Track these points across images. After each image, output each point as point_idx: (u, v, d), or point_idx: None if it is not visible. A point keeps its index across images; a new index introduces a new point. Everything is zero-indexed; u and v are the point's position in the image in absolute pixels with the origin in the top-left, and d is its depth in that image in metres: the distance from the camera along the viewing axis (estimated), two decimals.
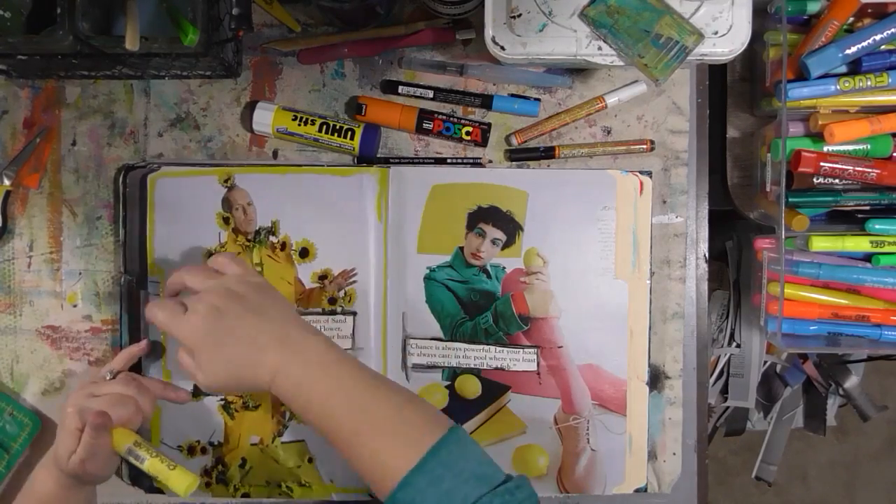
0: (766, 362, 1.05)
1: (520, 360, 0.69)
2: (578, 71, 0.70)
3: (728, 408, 1.08)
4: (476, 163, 0.70)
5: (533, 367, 0.69)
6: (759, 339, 0.97)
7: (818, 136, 0.70)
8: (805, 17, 0.69)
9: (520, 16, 0.61)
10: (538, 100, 0.70)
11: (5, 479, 0.69)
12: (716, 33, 0.60)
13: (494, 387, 0.70)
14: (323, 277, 0.69)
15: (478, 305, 0.69)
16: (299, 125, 0.68)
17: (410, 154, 0.71)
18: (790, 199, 0.69)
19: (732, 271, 0.96)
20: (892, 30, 0.65)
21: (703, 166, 0.72)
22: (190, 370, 0.58)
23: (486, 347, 0.69)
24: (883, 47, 0.66)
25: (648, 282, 0.69)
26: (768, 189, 0.72)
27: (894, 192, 0.69)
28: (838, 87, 0.66)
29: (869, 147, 0.70)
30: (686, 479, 0.72)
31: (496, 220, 0.69)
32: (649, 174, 0.69)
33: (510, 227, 0.69)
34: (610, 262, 0.69)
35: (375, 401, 0.55)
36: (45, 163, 0.71)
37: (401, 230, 0.69)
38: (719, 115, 0.76)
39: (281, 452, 0.70)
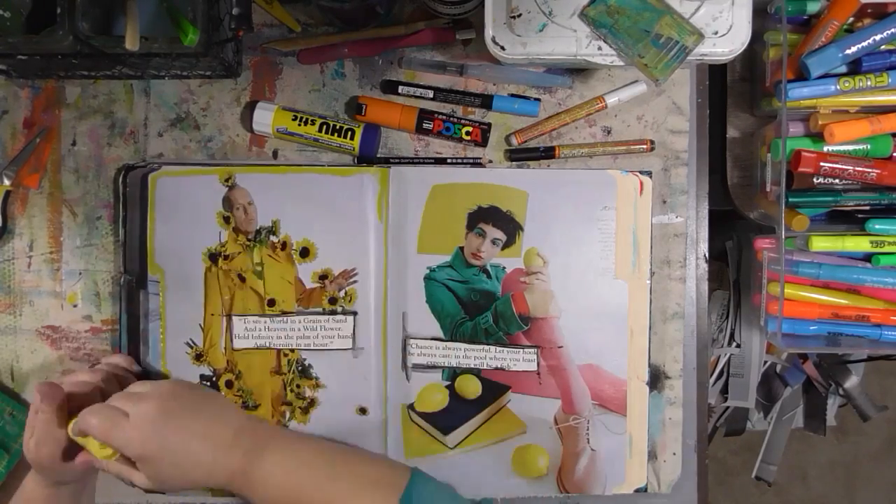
0: (766, 362, 1.05)
1: (520, 360, 0.69)
2: (578, 71, 0.70)
3: (728, 408, 1.08)
4: (476, 163, 0.70)
5: (533, 367, 0.69)
6: (759, 339, 0.97)
7: (818, 136, 0.70)
8: (805, 17, 0.69)
9: (520, 16, 0.61)
10: (538, 100, 0.70)
11: (5, 478, 0.69)
12: (716, 33, 0.60)
13: (494, 387, 0.70)
14: (323, 277, 0.69)
15: (478, 305, 0.69)
16: (299, 125, 0.68)
17: (410, 154, 0.71)
18: (790, 199, 0.69)
19: (732, 271, 0.96)
20: (892, 30, 0.65)
21: (703, 166, 0.72)
22: (132, 478, 0.58)
23: (486, 347, 0.69)
24: (883, 47, 0.66)
25: (648, 282, 0.69)
26: (768, 189, 0.72)
27: (894, 192, 0.69)
28: (838, 87, 0.66)
29: (869, 147, 0.70)
30: (686, 479, 0.72)
31: (496, 220, 0.69)
32: (649, 174, 0.69)
33: (510, 227, 0.69)
34: (610, 262, 0.69)
35: (336, 468, 0.58)
36: (45, 163, 0.71)
37: (401, 230, 0.69)
38: (719, 115, 0.76)
39: None
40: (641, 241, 0.69)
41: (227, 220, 0.69)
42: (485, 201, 0.69)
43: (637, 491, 0.70)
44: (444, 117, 0.69)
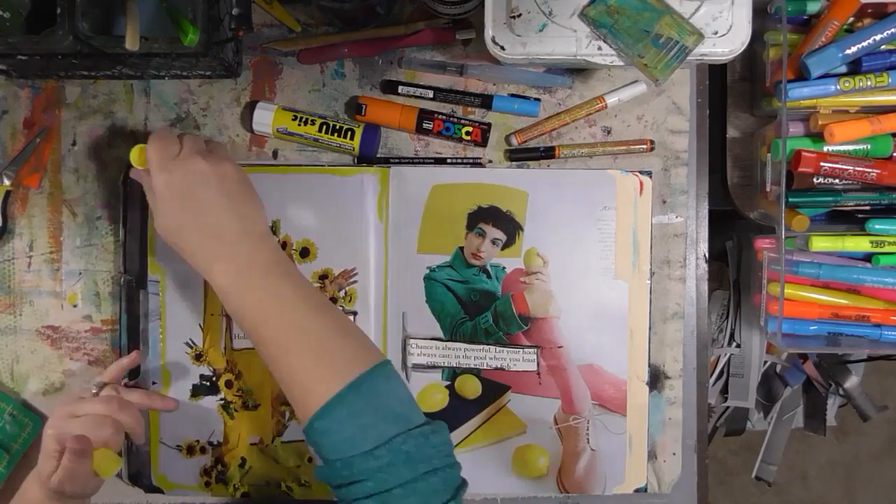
0: (766, 362, 1.05)
1: (520, 360, 0.69)
2: (578, 71, 0.70)
3: (728, 408, 1.08)
4: (476, 163, 0.70)
5: (533, 367, 0.69)
6: (759, 339, 0.97)
7: (818, 136, 0.70)
8: (805, 17, 0.69)
9: (520, 16, 0.61)
10: (538, 100, 0.70)
11: (5, 479, 0.69)
12: (716, 33, 0.60)
13: (494, 387, 0.70)
14: (323, 277, 0.69)
15: (478, 305, 0.69)
16: (299, 125, 0.68)
17: (410, 154, 0.71)
18: (790, 199, 0.69)
19: (732, 271, 0.96)
20: (892, 30, 0.65)
21: (703, 166, 0.72)
22: (150, 200, 0.59)
23: (486, 347, 0.69)
24: (883, 47, 0.66)
25: (648, 282, 0.69)
26: (768, 189, 0.72)
27: (894, 192, 0.69)
28: (838, 87, 0.66)
29: (869, 147, 0.69)
30: (686, 479, 0.72)
31: (496, 220, 0.69)
32: (649, 174, 0.69)
33: (510, 227, 0.69)
34: (610, 262, 0.69)
35: (311, 321, 0.55)
36: (45, 163, 0.71)
37: (401, 230, 0.69)
38: (719, 115, 0.76)
39: (281, 452, 0.70)
40: (641, 241, 0.69)
41: None
42: (485, 201, 0.69)
43: (637, 491, 0.70)
44: (444, 117, 0.69)
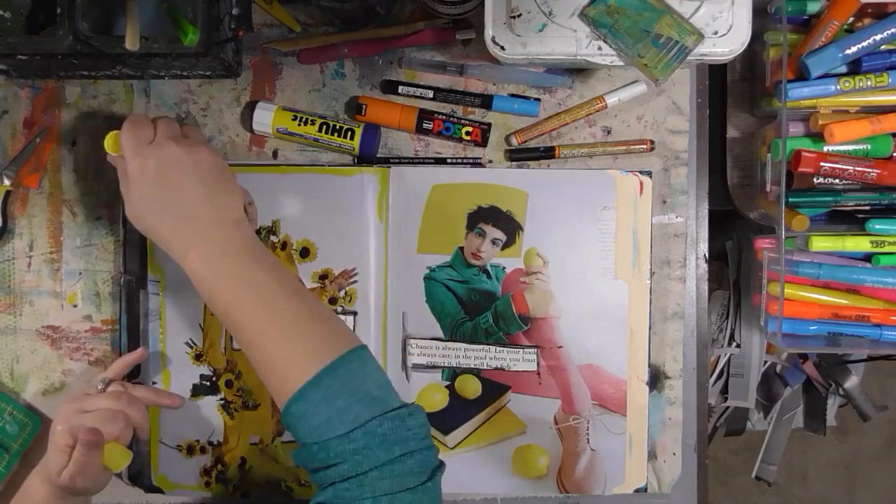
0: (766, 362, 1.05)
1: (520, 360, 0.69)
2: (578, 71, 0.70)
3: (728, 408, 1.08)
4: (476, 163, 0.70)
5: (533, 367, 0.69)
6: (759, 339, 0.97)
7: (818, 136, 0.70)
8: (805, 17, 0.69)
9: (520, 16, 0.61)
10: (538, 100, 0.70)
11: (5, 479, 0.69)
12: (716, 33, 0.60)
13: (494, 387, 0.70)
14: (323, 277, 0.69)
15: (478, 305, 0.69)
16: (299, 125, 0.68)
17: (410, 154, 0.71)
18: (790, 199, 0.69)
19: (732, 271, 0.96)
20: (892, 30, 0.65)
21: (703, 166, 0.72)
22: (122, 186, 0.59)
23: (486, 347, 0.69)
24: (883, 47, 0.66)
25: (648, 282, 0.69)
26: (768, 189, 0.72)
27: (894, 192, 0.69)
28: (838, 87, 0.66)
29: (869, 147, 0.69)
30: (686, 479, 0.72)
31: (496, 220, 0.69)
32: (649, 174, 0.69)
33: (510, 227, 0.69)
34: (610, 262, 0.69)
35: (285, 306, 0.55)
36: (45, 163, 0.71)
37: (401, 230, 0.69)
38: (719, 115, 0.76)
39: (281, 452, 0.70)
40: (641, 241, 0.69)
41: None
42: (485, 201, 0.69)
43: (637, 491, 0.70)
44: (444, 117, 0.69)
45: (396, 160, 0.70)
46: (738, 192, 0.77)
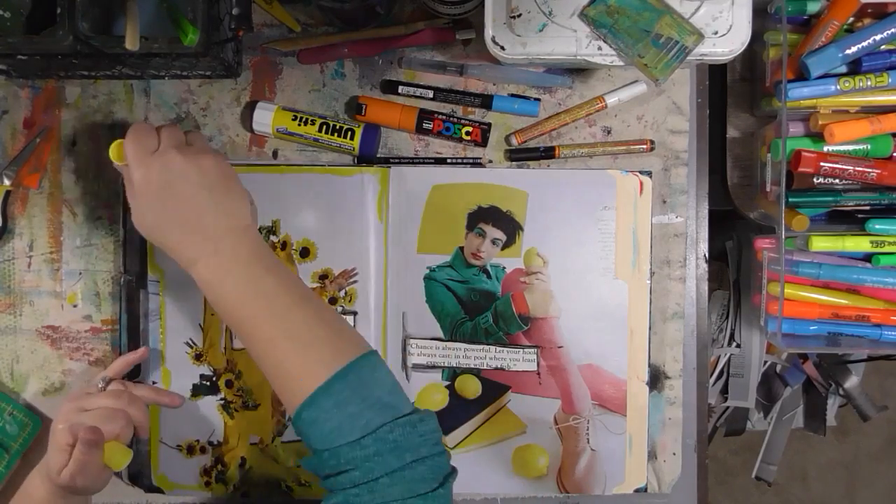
0: (766, 362, 1.05)
1: (520, 360, 0.69)
2: (578, 71, 0.70)
3: (728, 408, 1.08)
4: (476, 163, 0.70)
5: (533, 367, 0.69)
6: (759, 339, 0.97)
7: (818, 136, 0.70)
8: (805, 17, 0.69)
9: (520, 16, 0.61)
10: (538, 100, 0.70)
11: (5, 478, 0.69)
12: (716, 33, 0.60)
13: (494, 387, 0.70)
14: (323, 277, 0.69)
15: (478, 305, 0.69)
16: (299, 125, 0.68)
17: (410, 154, 0.71)
18: (790, 199, 0.69)
19: (732, 271, 0.96)
20: (892, 30, 0.65)
21: (703, 166, 0.72)
22: (128, 195, 0.58)
23: (486, 347, 0.69)
24: (883, 47, 0.66)
25: (648, 282, 0.69)
26: (768, 189, 0.72)
27: (894, 192, 0.69)
28: (838, 87, 0.66)
29: (869, 147, 0.69)
30: (686, 479, 0.72)
31: (496, 220, 0.69)
32: (649, 174, 0.69)
33: (510, 227, 0.69)
34: (610, 262, 0.69)
35: (295, 312, 0.55)
36: (45, 163, 0.71)
37: (401, 230, 0.69)
38: (719, 115, 0.76)
39: (281, 452, 0.70)
40: (641, 241, 0.69)
41: None
42: (485, 201, 0.69)
43: (637, 491, 0.70)
44: (444, 117, 0.69)
45: (396, 160, 0.70)
46: (738, 192, 0.77)
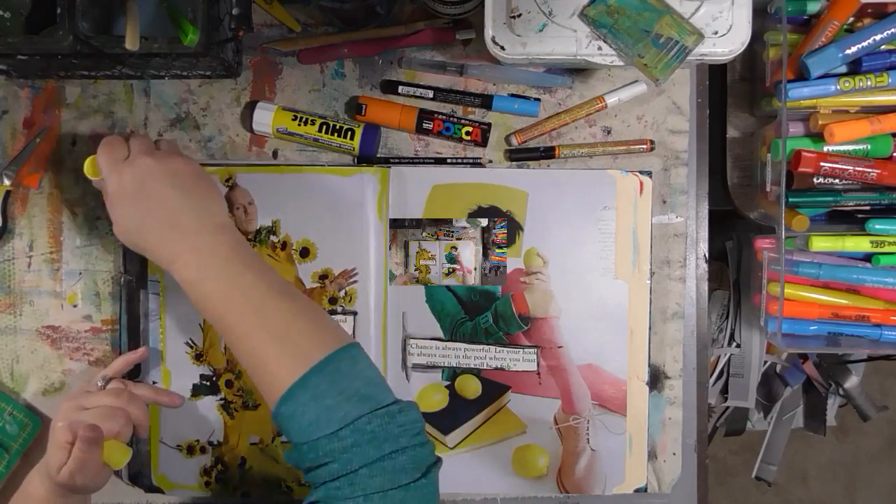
0: (766, 362, 1.05)
1: (520, 360, 0.69)
2: (578, 71, 0.70)
3: (728, 408, 1.08)
4: (476, 163, 0.70)
5: (533, 367, 0.69)
6: (759, 339, 0.97)
7: (818, 136, 0.70)
8: (805, 17, 0.69)
9: (520, 16, 0.61)
10: (538, 100, 0.70)
11: (5, 478, 0.69)
12: (716, 33, 0.60)
13: (494, 387, 0.70)
14: (323, 277, 0.69)
15: (478, 305, 0.69)
16: (299, 125, 0.68)
17: (410, 154, 0.71)
18: (790, 199, 0.69)
19: (732, 271, 0.96)
20: (892, 30, 0.65)
21: (703, 166, 0.72)
22: (107, 206, 0.60)
23: (486, 347, 0.69)
24: (883, 47, 0.66)
25: (648, 282, 0.69)
26: (768, 189, 0.72)
27: (894, 192, 0.69)
28: (838, 87, 0.66)
29: (869, 147, 0.70)
30: (686, 479, 0.72)
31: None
32: (649, 174, 0.69)
33: (510, 227, 0.69)
34: (610, 262, 0.69)
35: (274, 307, 0.55)
36: (45, 163, 0.71)
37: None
38: (719, 115, 0.76)
39: (281, 452, 0.70)
40: (641, 241, 0.69)
41: None
42: (485, 201, 0.69)
43: (637, 491, 0.70)
44: (444, 117, 0.69)
45: (396, 160, 0.70)
46: (738, 192, 0.77)
